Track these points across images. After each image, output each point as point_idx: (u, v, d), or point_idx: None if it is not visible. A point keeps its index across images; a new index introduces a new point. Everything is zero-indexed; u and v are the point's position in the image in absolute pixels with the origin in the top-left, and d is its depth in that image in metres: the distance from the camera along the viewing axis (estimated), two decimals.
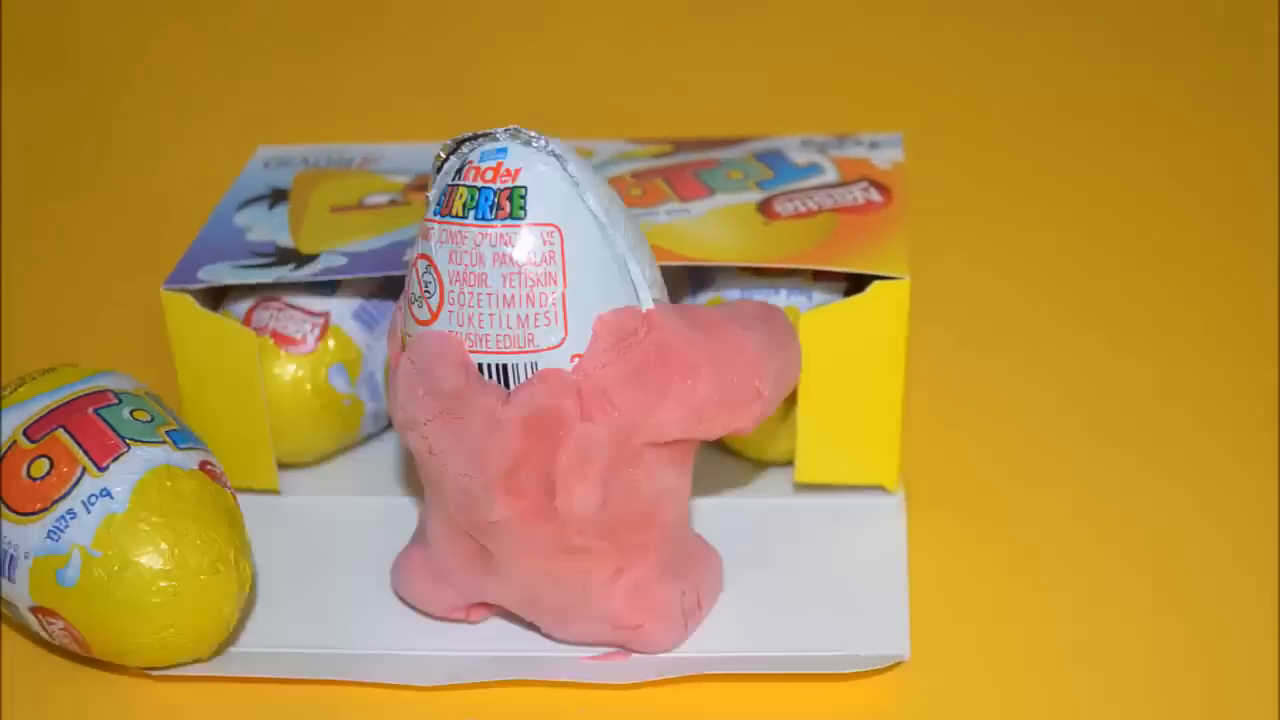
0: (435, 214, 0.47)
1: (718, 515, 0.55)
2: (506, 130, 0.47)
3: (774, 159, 0.59)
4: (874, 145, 0.59)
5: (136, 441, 0.50)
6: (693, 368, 0.47)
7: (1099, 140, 0.77)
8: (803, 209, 0.56)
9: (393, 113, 0.80)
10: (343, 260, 0.54)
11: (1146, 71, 0.81)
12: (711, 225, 0.55)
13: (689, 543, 0.51)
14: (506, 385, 0.47)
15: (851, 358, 0.53)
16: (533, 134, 0.46)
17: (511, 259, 0.46)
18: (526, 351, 0.47)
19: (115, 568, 0.48)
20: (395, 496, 0.57)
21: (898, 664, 0.49)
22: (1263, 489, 0.55)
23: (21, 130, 0.79)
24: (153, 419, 0.51)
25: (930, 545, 0.54)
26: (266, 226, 0.57)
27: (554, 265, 0.46)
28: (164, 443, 0.50)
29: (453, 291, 0.46)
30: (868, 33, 0.84)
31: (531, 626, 0.51)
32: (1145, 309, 0.65)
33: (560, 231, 0.46)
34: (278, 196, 0.58)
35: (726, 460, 0.58)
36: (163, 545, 0.48)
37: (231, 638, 0.52)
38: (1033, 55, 0.82)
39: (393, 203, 0.58)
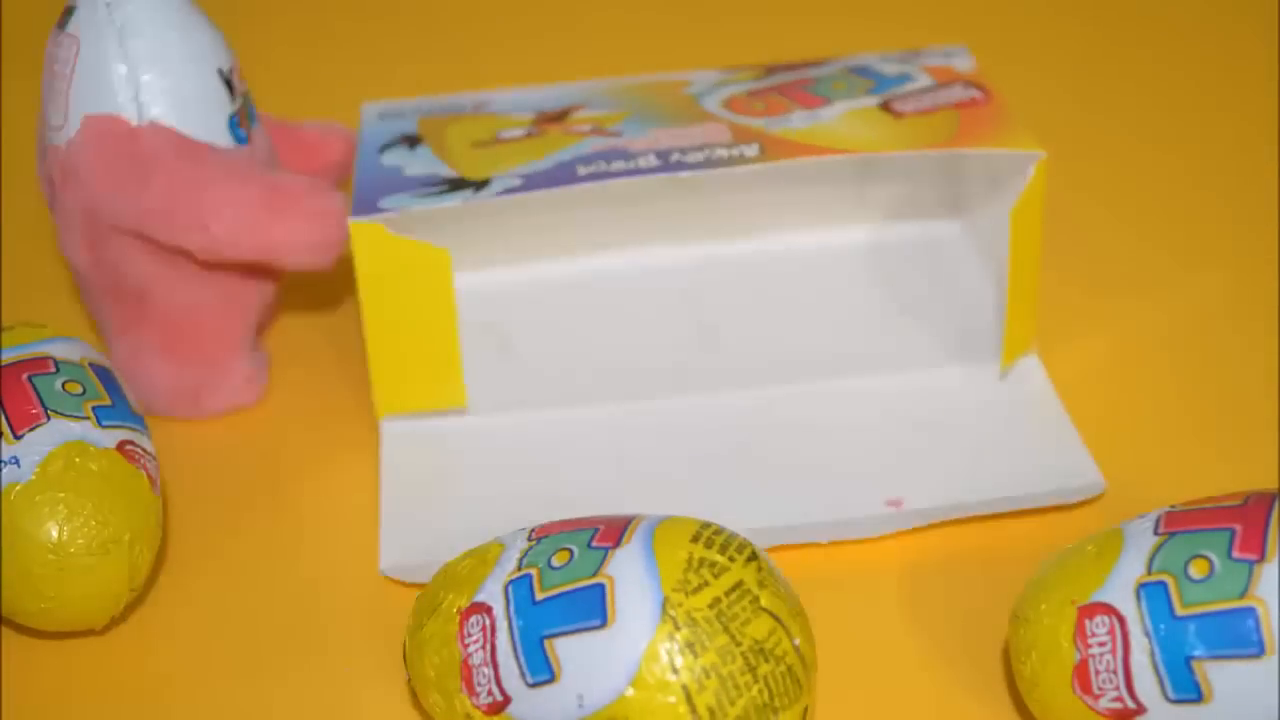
0: None
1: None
2: None
3: (866, 72, 0.62)
4: (948, 55, 0.63)
5: (58, 414, 0.52)
6: (147, 180, 0.56)
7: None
8: (921, 107, 0.60)
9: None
10: (517, 181, 0.57)
11: None
12: (850, 125, 0.59)
13: (209, 345, 0.60)
14: None
15: None
16: None
17: (54, 56, 0.57)
18: (50, 131, 0.57)
19: (8, 535, 0.50)
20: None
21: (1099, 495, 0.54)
22: None
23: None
24: (84, 392, 0.53)
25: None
26: (420, 164, 0.59)
27: (67, 67, 0.56)
28: (86, 418, 0.52)
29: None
30: None
31: None
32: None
33: (79, 41, 0.56)
34: (411, 140, 0.61)
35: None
36: (56, 521, 0.50)
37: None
38: None
39: (529, 135, 0.60)
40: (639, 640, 0.44)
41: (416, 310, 0.57)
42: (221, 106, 0.57)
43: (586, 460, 0.58)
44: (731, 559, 0.45)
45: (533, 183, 0.57)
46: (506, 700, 0.46)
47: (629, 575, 0.45)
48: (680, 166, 0.56)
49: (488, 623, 0.46)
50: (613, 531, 0.46)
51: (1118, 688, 0.44)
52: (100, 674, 0.52)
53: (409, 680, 0.48)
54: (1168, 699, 0.44)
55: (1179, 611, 0.44)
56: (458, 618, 0.46)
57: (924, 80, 0.61)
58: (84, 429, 0.51)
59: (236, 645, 0.52)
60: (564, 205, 0.59)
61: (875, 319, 0.63)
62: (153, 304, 0.59)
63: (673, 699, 0.44)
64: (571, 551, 0.46)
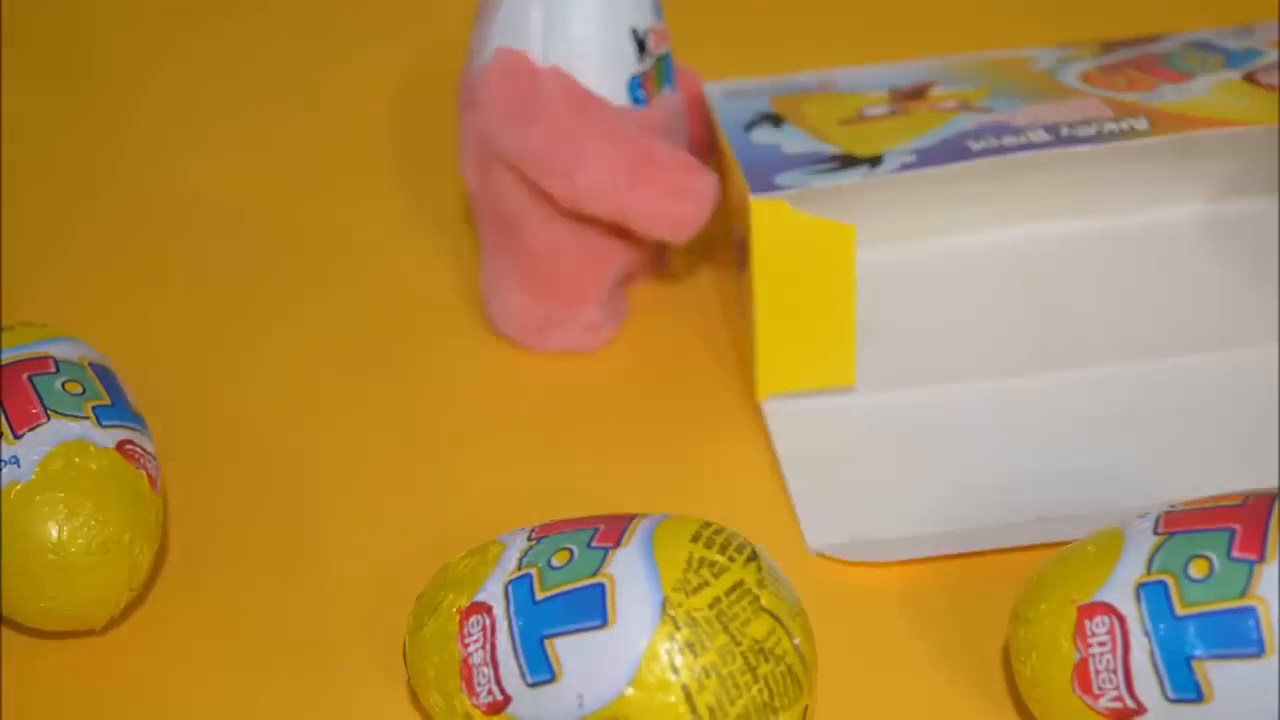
0: None
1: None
2: None
3: (1209, 47, 0.62)
4: None
5: (58, 414, 0.52)
6: (534, 120, 0.58)
7: None
8: None
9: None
10: (911, 157, 0.57)
11: None
12: (1224, 98, 0.59)
13: (564, 285, 0.62)
14: None
15: None
16: None
17: None
18: (473, 54, 0.60)
19: (8, 535, 0.50)
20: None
21: None
22: None
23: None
24: (84, 391, 0.53)
25: None
26: (795, 142, 0.60)
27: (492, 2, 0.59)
28: (86, 418, 0.52)
29: None
30: None
31: None
32: None
33: None
34: (774, 119, 0.61)
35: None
36: (56, 521, 0.50)
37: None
38: None
39: (894, 112, 0.61)
40: (639, 640, 0.44)
41: (813, 287, 0.58)
42: (626, 65, 0.59)
43: (972, 437, 0.58)
44: (731, 559, 0.45)
45: (927, 158, 0.57)
46: (506, 700, 0.46)
47: (629, 575, 0.45)
48: (1072, 141, 0.57)
49: (488, 622, 0.46)
50: (613, 531, 0.46)
51: (1118, 687, 0.44)
52: (100, 674, 0.52)
53: (409, 680, 0.48)
54: (1168, 699, 0.44)
55: (1179, 611, 0.44)
56: (458, 618, 0.47)
57: (1274, 54, 0.61)
58: (84, 429, 0.51)
59: (236, 645, 0.52)
60: (956, 181, 0.59)
61: (1218, 294, 0.62)
62: (521, 235, 0.61)
63: (673, 699, 0.44)
64: (571, 551, 0.46)
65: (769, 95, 0.63)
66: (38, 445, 0.51)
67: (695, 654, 0.44)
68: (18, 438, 0.51)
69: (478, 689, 0.46)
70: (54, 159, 0.75)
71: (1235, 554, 0.44)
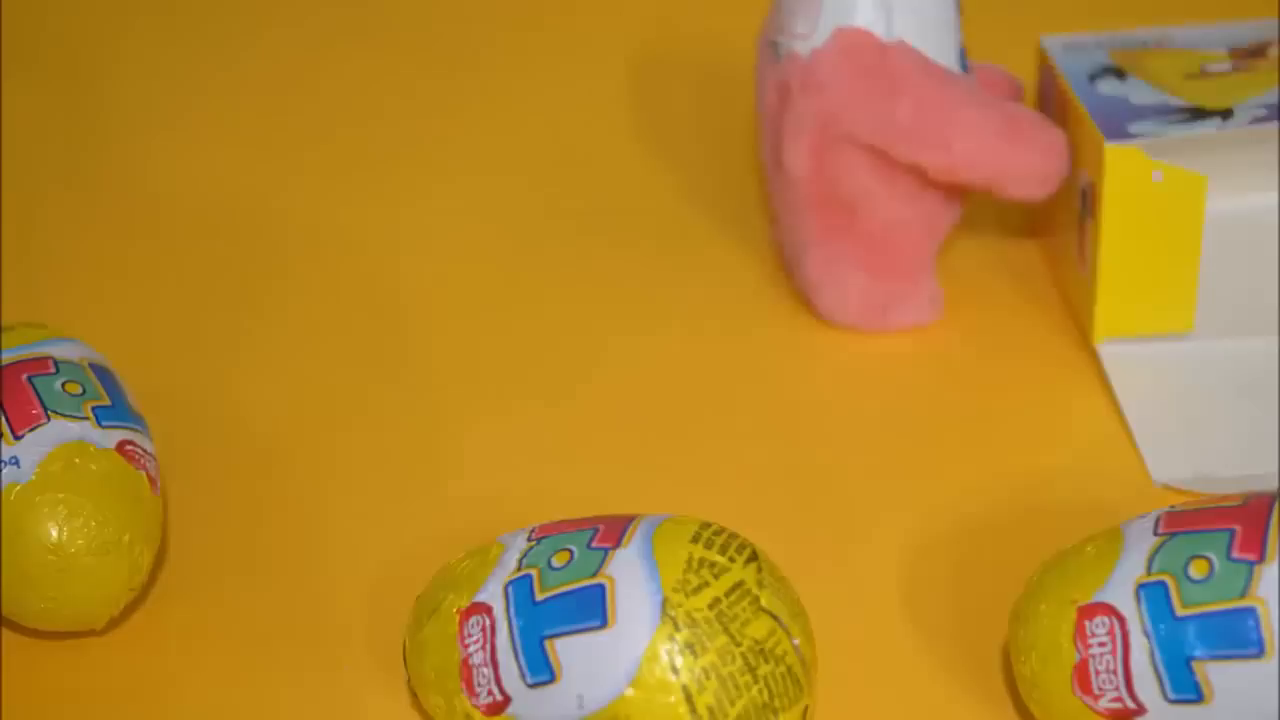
0: None
1: None
2: None
3: None
4: None
5: (58, 414, 0.52)
6: (897, 95, 0.59)
7: None
8: None
9: None
10: (1263, 111, 0.59)
11: None
12: None
13: (905, 262, 0.63)
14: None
15: None
16: None
17: None
18: (785, 36, 0.60)
19: (8, 535, 0.50)
20: None
21: None
22: None
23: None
24: (84, 392, 0.53)
25: None
26: (1141, 94, 0.61)
27: None
28: (86, 419, 0.52)
29: None
30: None
31: None
32: None
33: None
34: (1117, 72, 0.62)
35: None
36: (56, 521, 0.50)
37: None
38: None
39: (1235, 69, 0.62)
40: (639, 640, 0.44)
41: (1159, 234, 0.59)
42: (955, 35, 0.61)
43: None
44: (731, 559, 0.45)
45: (1275, 114, 0.58)
46: (506, 700, 0.46)
47: (629, 576, 0.45)
48: None
49: (487, 623, 0.46)
50: (613, 532, 0.46)
51: (1118, 688, 0.44)
52: (100, 674, 0.52)
53: (409, 681, 0.48)
54: (1168, 699, 0.44)
55: (1179, 612, 0.44)
56: (457, 618, 0.47)
57: None
58: (84, 429, 0.52)
59: (236, 645, 0.52)
60: None
61: None
62: (860, 217, 0.62)
63: (673, 699, 0.44)
64: (571, 552, 0.46)
65: (1108, 49, 0.64)
66: (38, 446, 0.51)
67: (695, 654, 0.44)
68: (18, 438, 0.51)
69: (478, 689, 0.46)
70: (54, 158, 0.75)
71: (1235, 555, 0.44)
